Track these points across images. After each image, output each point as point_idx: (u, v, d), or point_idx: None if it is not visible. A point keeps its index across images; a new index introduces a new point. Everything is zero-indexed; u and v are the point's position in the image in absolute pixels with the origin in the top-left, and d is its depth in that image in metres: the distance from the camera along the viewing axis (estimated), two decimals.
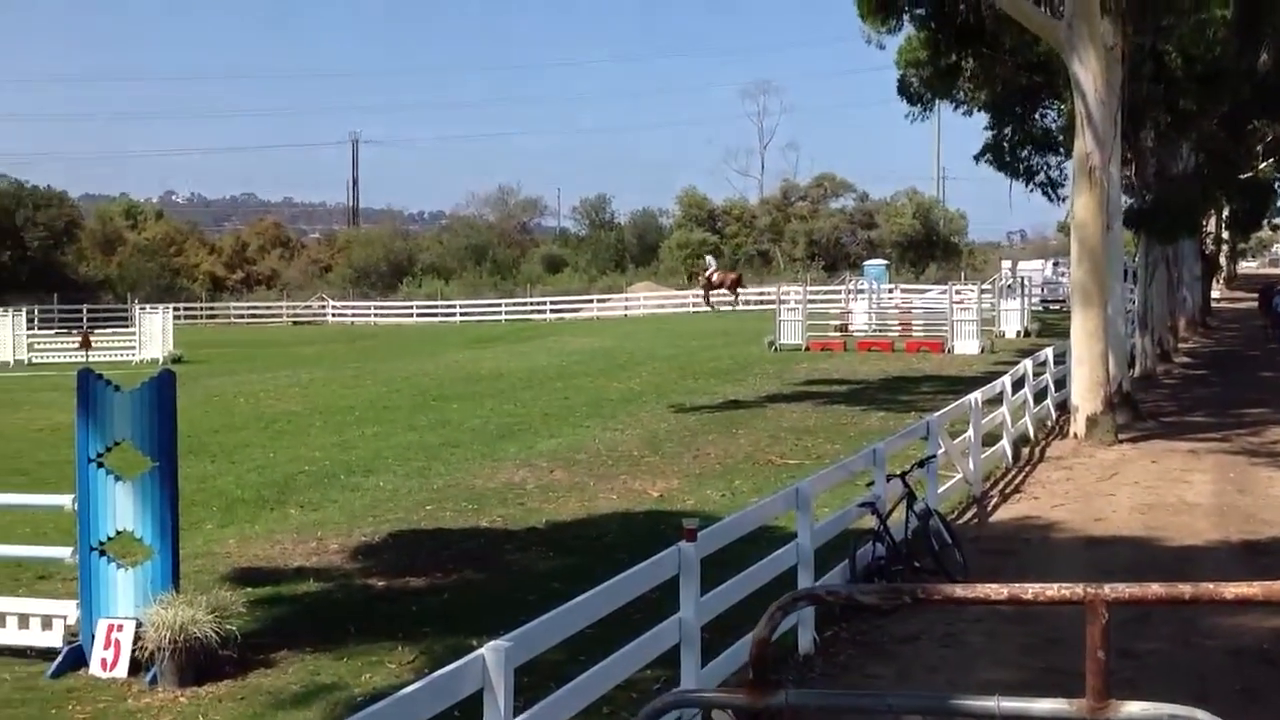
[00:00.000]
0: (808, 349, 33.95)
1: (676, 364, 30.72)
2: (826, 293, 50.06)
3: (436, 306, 70.11)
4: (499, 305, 68.51)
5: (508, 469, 16.23)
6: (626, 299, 66.03)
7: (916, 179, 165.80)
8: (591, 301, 66.52)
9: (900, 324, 37.63)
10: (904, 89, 28.16)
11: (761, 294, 55.96)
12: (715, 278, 56.34)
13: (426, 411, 22.33)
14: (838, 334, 36.32)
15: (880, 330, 37.30)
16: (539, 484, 15.18)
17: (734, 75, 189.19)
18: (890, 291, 50.85)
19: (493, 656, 5.19)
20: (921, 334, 35.45)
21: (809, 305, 36.85)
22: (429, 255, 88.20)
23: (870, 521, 10.30)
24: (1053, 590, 3.06)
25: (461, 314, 67.75)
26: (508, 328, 57.47)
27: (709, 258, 61.83)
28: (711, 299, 55.38)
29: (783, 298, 36.83)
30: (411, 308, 70.58)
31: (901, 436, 12.59)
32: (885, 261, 63.04)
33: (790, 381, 26.40)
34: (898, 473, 10.81)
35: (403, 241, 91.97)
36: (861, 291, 44.87)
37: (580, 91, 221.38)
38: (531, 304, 68.19)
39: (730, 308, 54.31)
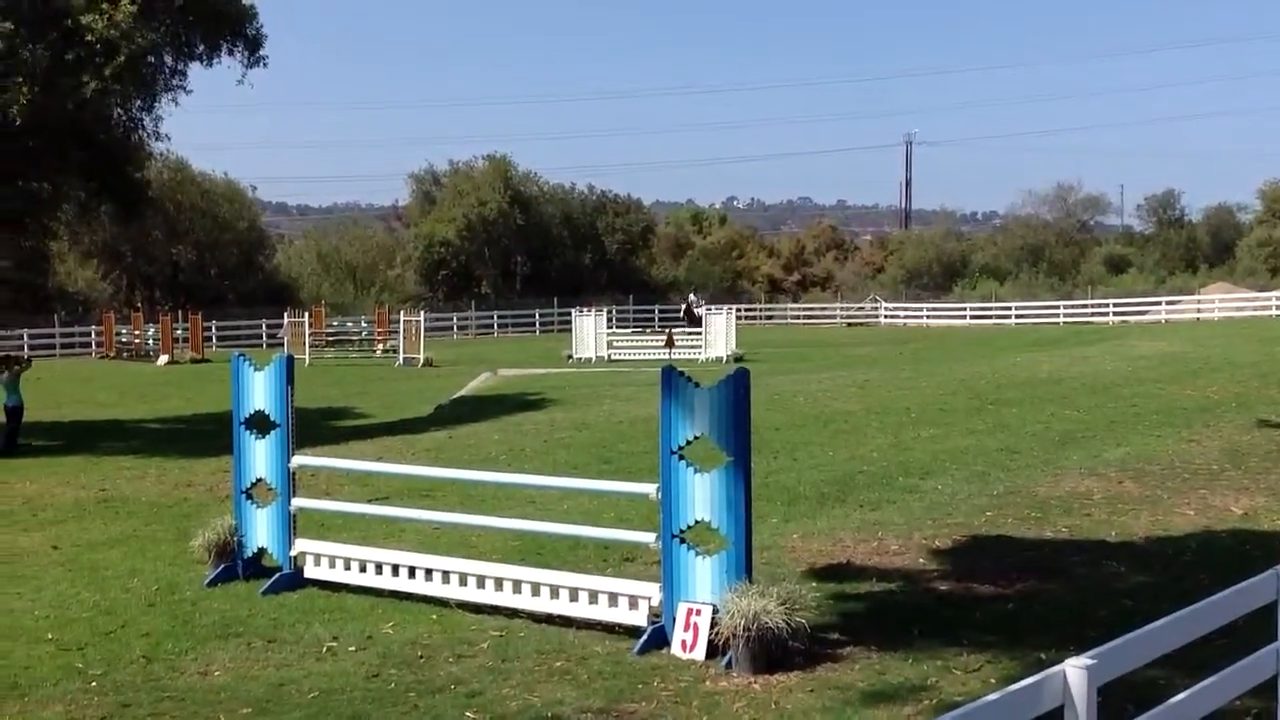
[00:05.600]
0: None
1: (1259, 371, 28.24)
2: None
3: (990, 308, 68.85)
4: (1056, 307, 66.31)
5: (1072, 477, 15.60)
6: (1199, 301, 61.85)
7: None
8: (1159, 303, 62.93)
9: None
10: None
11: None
12: (700, 313, 52.40)
13: (983, 415, 21.93)
14: None
15: None
16: (1106, 494, 14.48)
17: None
18: None
19: (1076, 675, 5.00)
20: None
21: None
22: (983, 256, 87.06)
23: None
24: None
25: (1017, 316, 66.14)
26: (1066, 330, 55.36)
27: (692, 294, 59.90)
28: (673, 336, 50.93)
29: None
30: (965, 309, 69.71)
31: None
32: None
33: None
34: None
35: (955, 242, 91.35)
36: None
37: (1144, 82, 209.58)
38: (1092, 306, 65.43)
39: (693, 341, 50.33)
